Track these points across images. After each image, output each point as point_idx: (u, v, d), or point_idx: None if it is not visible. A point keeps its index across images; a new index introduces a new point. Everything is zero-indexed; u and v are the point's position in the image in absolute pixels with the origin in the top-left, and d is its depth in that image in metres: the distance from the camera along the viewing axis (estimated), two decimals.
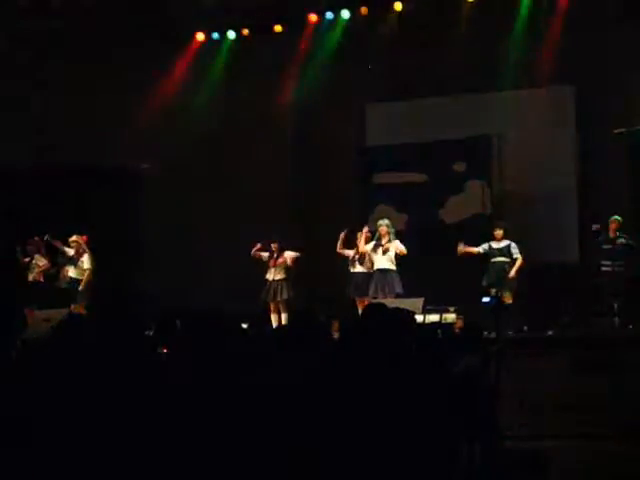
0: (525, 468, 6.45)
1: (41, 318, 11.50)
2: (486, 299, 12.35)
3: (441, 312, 11.54)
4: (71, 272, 13.33)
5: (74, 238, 13.31)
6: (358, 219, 15.00)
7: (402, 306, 11.69)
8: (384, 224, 12.87)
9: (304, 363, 3.96)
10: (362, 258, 13.02)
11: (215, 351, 3.98)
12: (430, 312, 11.45)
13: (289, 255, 13.36)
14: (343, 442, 3.51)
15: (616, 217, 12.55)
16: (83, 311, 12.77)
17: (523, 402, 9.55)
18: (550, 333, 11.68)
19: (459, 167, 14.97)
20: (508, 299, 12.37)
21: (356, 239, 13.20)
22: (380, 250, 12.74)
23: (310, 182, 15.48)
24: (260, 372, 3.82)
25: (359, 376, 3.97)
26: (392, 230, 12.87)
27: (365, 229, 13.10)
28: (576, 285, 13.41)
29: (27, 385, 3.35)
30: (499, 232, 12.87)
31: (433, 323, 10.80)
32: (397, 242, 12.80)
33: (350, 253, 13.23)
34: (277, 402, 3.55)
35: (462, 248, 12.85)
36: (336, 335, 5.76)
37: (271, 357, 4.08)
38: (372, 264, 12.85)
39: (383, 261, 12.71)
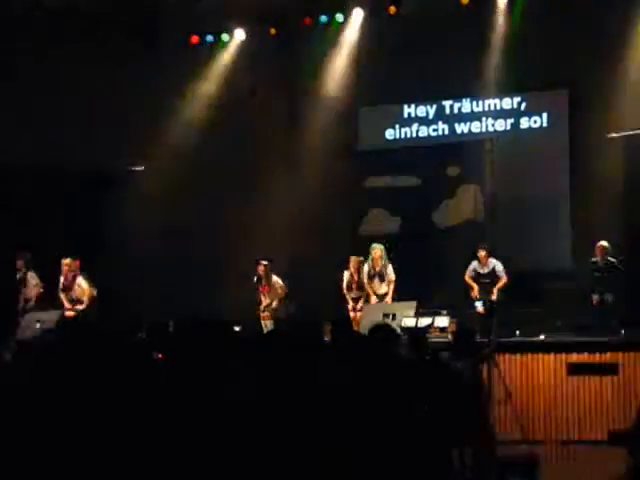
0: (517, 472, 6.46)
1: (34, 320, 11.49)
2: (478, 303, 12.38)
3: (434, 316, 11.54)
4: (66, 301, 12.82)
5: (67, 261, 12.78)
6: (351, 223, 15.06)
7: (395, 310, 11.79)
8: (378, 248, 12.84)
9: (295, 365, 3.97)
10: (360, 284, 12.95)
11: (208, 353, 3.99)
12: (423, 315, 11.46)
13: (278, 284, 13.22)
14: (334, 445, 3.51)
15: (602, 243, 12.41)
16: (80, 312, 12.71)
17: (515, 406, 9.57)
18: (542, 337, 11.69)
19: (452, 171, 14.98)
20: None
21: (348, 263, 13.05)
22: (377, 278, 12.76)
23: (303, 186, 15.47)
24: (250, 374, 3.82)
25: (350, 379, 3.98)
26: (385, 256, 12.82)
27: (354, 259, 13.03)
28: (569, 290, 13.40)
29: (22, 386, 3.35)
30: (482, 253, 12.82)
31: (422, 328, 10.82)
32: (390, 268, 12.78)
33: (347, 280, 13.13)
34: (269, 404, 3.55)
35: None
36: (327, 338, 5.77)
37: (262, 359, 4.08)
38: (372, 291, 12.86)
39: (382, 287, 12.77)
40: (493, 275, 12.80)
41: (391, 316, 11.18)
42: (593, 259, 12.33)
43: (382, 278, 12.73)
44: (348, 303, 12.89)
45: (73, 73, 14.73)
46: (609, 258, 12.23)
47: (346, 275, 12.97)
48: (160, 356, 4.73)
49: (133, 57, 15.08)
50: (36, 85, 14.54)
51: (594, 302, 12.20)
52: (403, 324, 10.94)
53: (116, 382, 3.55)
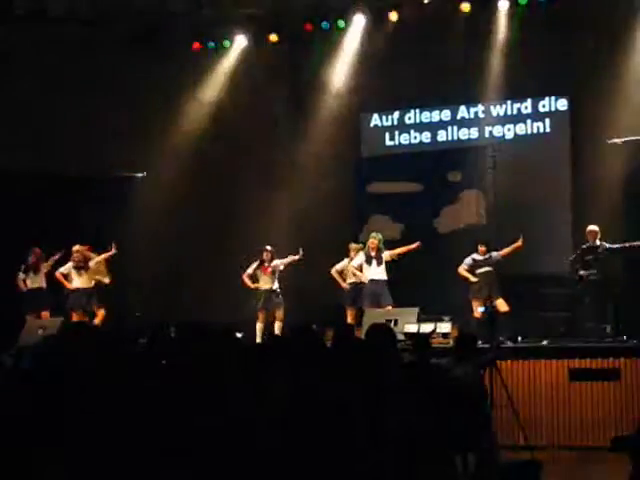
0: (520, 477, 6.45)
1: (36, 326, 11.51)
2: (481, 309, 12.36)
3: (436, 321, 11.53)
4: (75, 282, 13.10)
5: (77, 248, 13.12)
6: (353, 229, 15.07)
7: (397, 316, 11.80)
8: (376, 238, 12.98)
9: (298, 370, 3.97)
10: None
11: (209, 358, 3.99)
12: (425, 321, 11.45)
13: (280, 262, 13.42)
14: (335, 450, 3.51)
15: (593, 227, 12.48)
16: (84, 318, 12.73)
17: (517, 411, 9.56)
18: (544, 343, 11.68)
19: (454, 177, 14.99)
20: (503, 306, 12.38)
21: (348, 251, 13.38)
22: (374, 262, 12.85)
23: (305, 192, 15.47)
24: (256, 378, 3.82)
25: (352, 384, 3.98)
26: (382, 246, 12.98)
27: (353, 246, 13.39)
28: (570, 295, 13.39)
29: (23, 390, 3.36)
30: (482, 249, 12.92)
31: (425, 333, 10.81)
32: (386, 252, 12.93)
33: (343, 267, 13.42)
34: (272, 408, 3.55)
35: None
36: (329, 343, 5.77)
37: (267, 363, 4.08)
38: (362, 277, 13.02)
39: (377, 272, 12.82)
40: (491, 261, 12.83)
41: (393, 322, 11.17)
42: (584, 245, 12.39)
43: (379, 262, 12.86)
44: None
45: (74, 80, 14.76)
46: (599, 243, 12.30)
47: (344, 262, 13.41)
48: (162, 362, 4.73)
49: (134, 65, 15.11)
50: (36, 90, 14.55)
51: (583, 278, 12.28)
52: (405, 330, 10.93)
53: (116, 387, 3.55)
